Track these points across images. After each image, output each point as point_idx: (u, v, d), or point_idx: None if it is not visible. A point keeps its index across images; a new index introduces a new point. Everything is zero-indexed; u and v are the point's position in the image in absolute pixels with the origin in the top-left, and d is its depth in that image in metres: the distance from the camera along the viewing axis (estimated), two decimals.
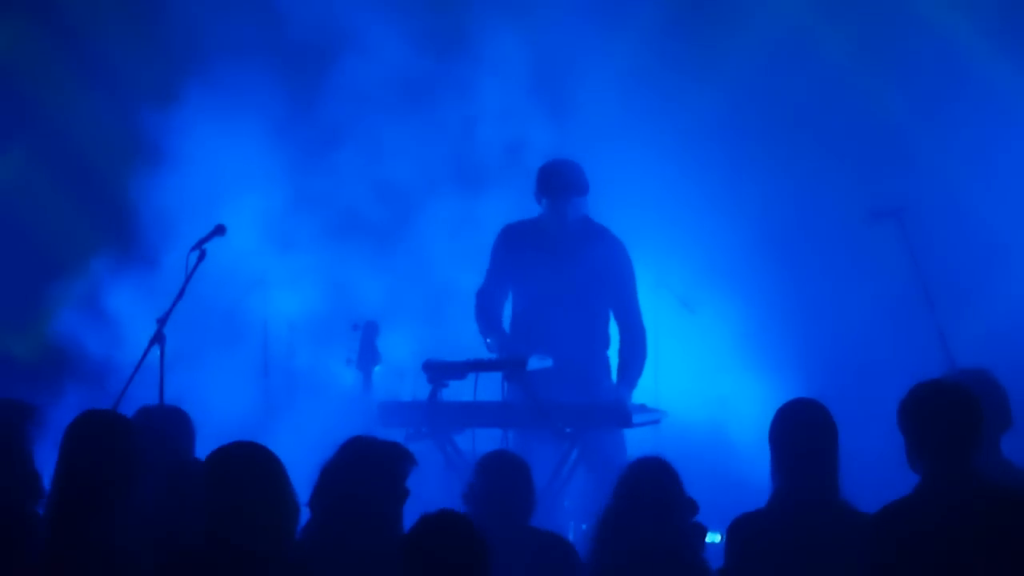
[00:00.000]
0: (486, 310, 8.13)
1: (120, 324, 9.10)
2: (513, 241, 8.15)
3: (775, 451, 5.35)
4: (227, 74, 9.47)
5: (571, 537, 6.76)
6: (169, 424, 6.21)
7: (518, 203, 8.72)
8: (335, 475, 5.19)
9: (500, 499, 5.51)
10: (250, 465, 4.59)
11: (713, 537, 7.00)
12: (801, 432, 5.34)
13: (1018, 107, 9.20)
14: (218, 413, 8.42)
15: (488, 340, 8.03)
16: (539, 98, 9.38)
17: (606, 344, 8.01)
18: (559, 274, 7.96)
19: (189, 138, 9.59)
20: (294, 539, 4.65)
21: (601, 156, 8.83)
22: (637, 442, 7.49)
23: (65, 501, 4.78)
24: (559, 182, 7.97)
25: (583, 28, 9.51)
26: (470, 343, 8.29)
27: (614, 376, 7.97)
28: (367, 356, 8.45)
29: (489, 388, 7.85)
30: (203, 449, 5.64)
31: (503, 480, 5.58)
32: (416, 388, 8.01)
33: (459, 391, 7.89)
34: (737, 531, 5.28)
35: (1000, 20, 9.58)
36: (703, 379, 9.19)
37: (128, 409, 6.55)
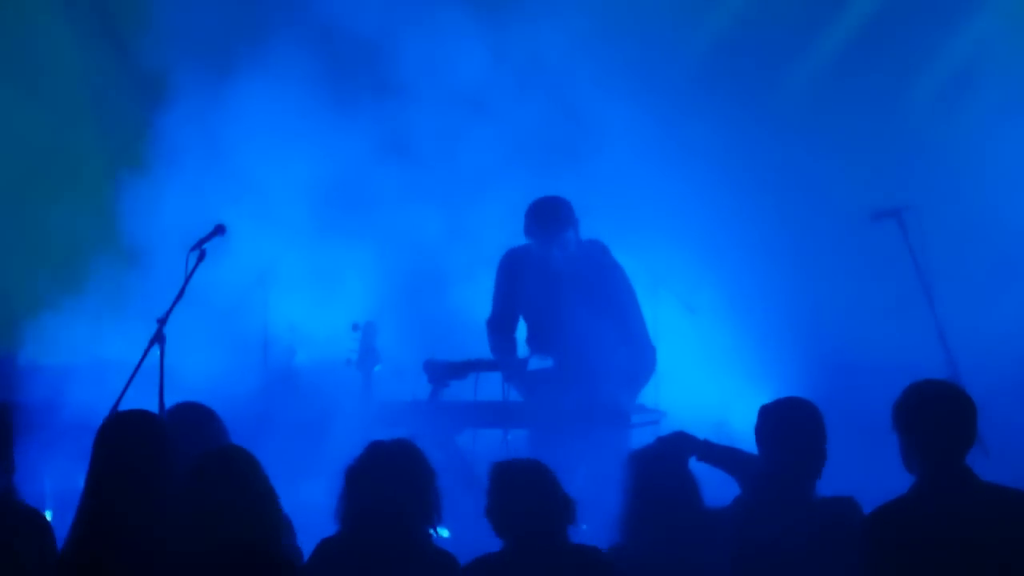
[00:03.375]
0: (498, 341, 8.13)
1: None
2: (514, 267, 8.16)
3: (770, 448, 5.38)
4: (233, 69, 9.51)
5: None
6: (201, 420, 6.19)
7: (519, 204, 8.74)
8: (357, 481, 5.18)
9: (532, 518, 5.09)
10: (228, 468, 4.61)
11: None
12: (792, 431, 5.37)
13: (1019, 105, 9.21)
14: (218, 413, 8.41)
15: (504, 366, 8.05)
16: (541, 103, 9.40)
17: (622, 357, 7.96)
18: (559, 297, 7.96)
19: (192, 136, 9.61)
20: (279, 539, 4.65)
21: (604, 157, 8.85)
22: (638, 443, 7.49)
23: (103, 499, 4.82)
24: (536, 228, 7.98)
25: (586, 30, 9.52)
26: (470, 343, 8.31)
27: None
28: (367, 356, 8.45)
29: (489, 388, 7.85)
30: None
31: (529, 496, 5.13)
32: (416, 388, 8.01)
33: (459, 391, 7.90)
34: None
35: (1001, 18, 9.59)
36: (703, 379, 9.19)
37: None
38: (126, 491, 4.81)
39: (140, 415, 5.13)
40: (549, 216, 7.97)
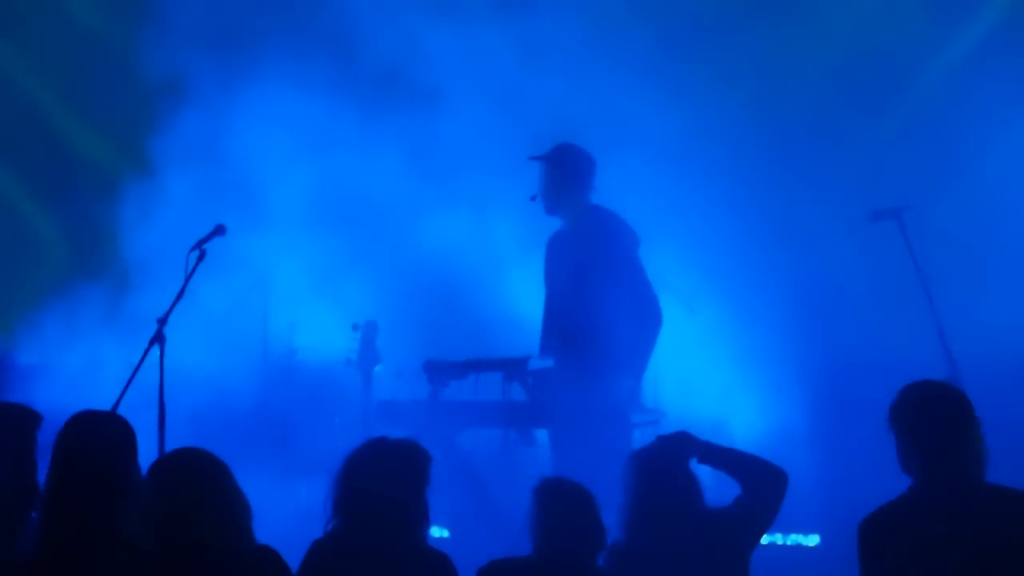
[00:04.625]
0: (544, 337, 8.08)
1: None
2: (547, 250, 8.17)
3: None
4: (237, 64, 9.52)
5: None
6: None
7: (524, 207, 8.76)
8: (357, 478, 5.17)
9: (567, 538, 5.19)
10: (192, 471, 4.60)
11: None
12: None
13: (1018, 106, 9.20)
14: (218, 413, 8.43)
15: None
16: (547, 109, 9.39)
17: (620, 334, 7.87)
18: (564, 271, 7.95)
19: (195, 138, 9.62)
20: (250, 538, 4.64)
21: (603, 158, 8.83)
22: (638, 443, 7.48)
23: (66, 500, 4.78)
24: (542, 155, 8.00)
25: (586, 27, 9.52)
26: (470, 343, 8.30)
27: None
28: (367, 356, 8.46)
29: (489, 388, 7.85)
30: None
31: (567, 515, 5.22)
32: (416, 388, 8.01)
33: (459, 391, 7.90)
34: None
35: (1001, 19, 9.59)
36: (703, 379, 9.18)
37: (127, 409, 6.55)
38: (89, 492, 4.77)
39: (102, 416, 5.10)
40: (556, 151, 7.98)
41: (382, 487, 5.10)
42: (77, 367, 9.05)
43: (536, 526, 5.22)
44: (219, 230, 7.50)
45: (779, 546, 8.51)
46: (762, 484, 5.55)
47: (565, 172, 7.95)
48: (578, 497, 5.26)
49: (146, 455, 5.01)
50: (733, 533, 5.43)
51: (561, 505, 5.22)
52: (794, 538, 8.60)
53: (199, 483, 4.58)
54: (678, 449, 5.61)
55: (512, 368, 7.75)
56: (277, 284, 9.57)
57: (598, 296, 7.73)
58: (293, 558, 4.94)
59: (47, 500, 4.83)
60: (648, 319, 7.78)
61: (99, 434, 4.91)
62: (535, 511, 5.24)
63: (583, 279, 7.80)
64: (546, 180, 7.99)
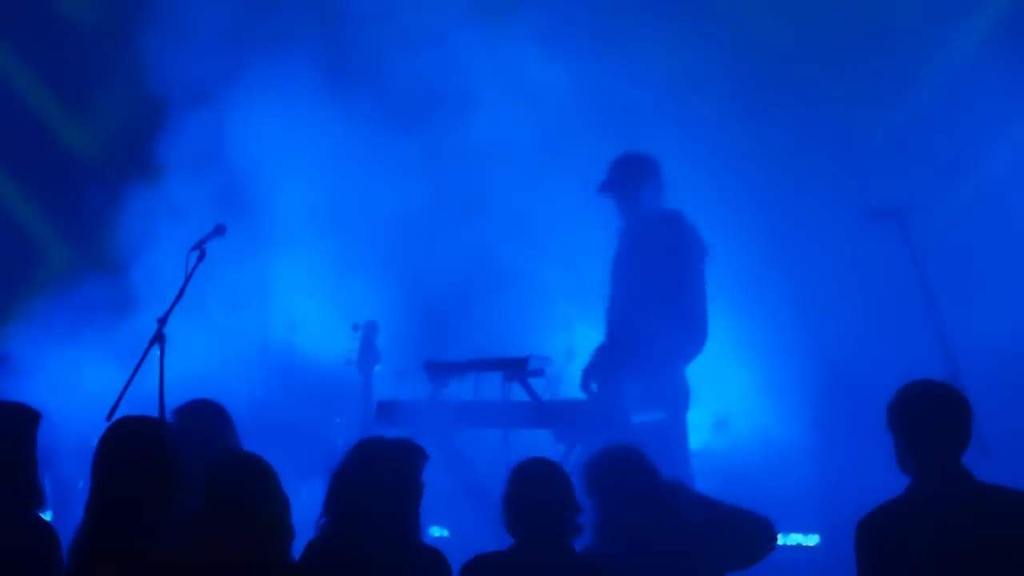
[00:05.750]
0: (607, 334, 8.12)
1: None
2: (617, 244, 8.22)
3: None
4: (242, 72, 9.53)
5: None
6: (208, 419, 6.16)
7: (523, 209, 8.76)
8: (349, 478, 5.17)
9: (541, 518, 5.17)
10: (243, 476, 4.56)
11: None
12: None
13: (1018, 106, 9.20)
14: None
15: None
16: (540, 101, 9.39)
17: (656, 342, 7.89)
18: (614, 278, 8.01)
19: (197, 140, 9.63)
20: (290, 546, 4.62)
21: (598, 157, 8.83)
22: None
23: (108, 510, 4.76)
24: (606, 183, 8.08)
25: (581, 31, 9.53)
26: (470, 343, 8.31)
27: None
28: (367, 356, 8.46)
29: (489, 388, 7.86)
30: None
31: (541, 494, 5.18)
32: (416, 388, 8.02)
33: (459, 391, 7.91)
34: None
35: (1001, 19, 9.59)
36: (704, 379, 9.18)
37: (127, 409, 6.54)
38: (132, 501, 4.73)
39: (145, 422, 5.06)
40: (618, 171, 8.01)
41: (371, 486, 5.10)
42: (75, 367, 9.06)
43: (511, 509, 5.20)
44: (219, 230, 7.51)
45: (779, 546, 8.51)
46: (750, 540, 5.54)
47: (625, 183, 7.99)
48: (552, 476, 5.23)
49: None
50: (708, 562, 5.41)
51: (536, 486, 5.19)
52: (794, 538, 8.60)
53: (253, 492, 4.52)
54: (636, 456, 5.56)
55: (512, 368, 7.76)
56: (277, 284, 9.57)
57: (650, 304, 7.78)
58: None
59: (90, 508, 4.79)
60: (690, 335, 7.83)
61: (144, 442, 4.85)
62: (510, 493, 5.21)
63: (643, 285, 7.84)
64: (614, 197, 8.05)
